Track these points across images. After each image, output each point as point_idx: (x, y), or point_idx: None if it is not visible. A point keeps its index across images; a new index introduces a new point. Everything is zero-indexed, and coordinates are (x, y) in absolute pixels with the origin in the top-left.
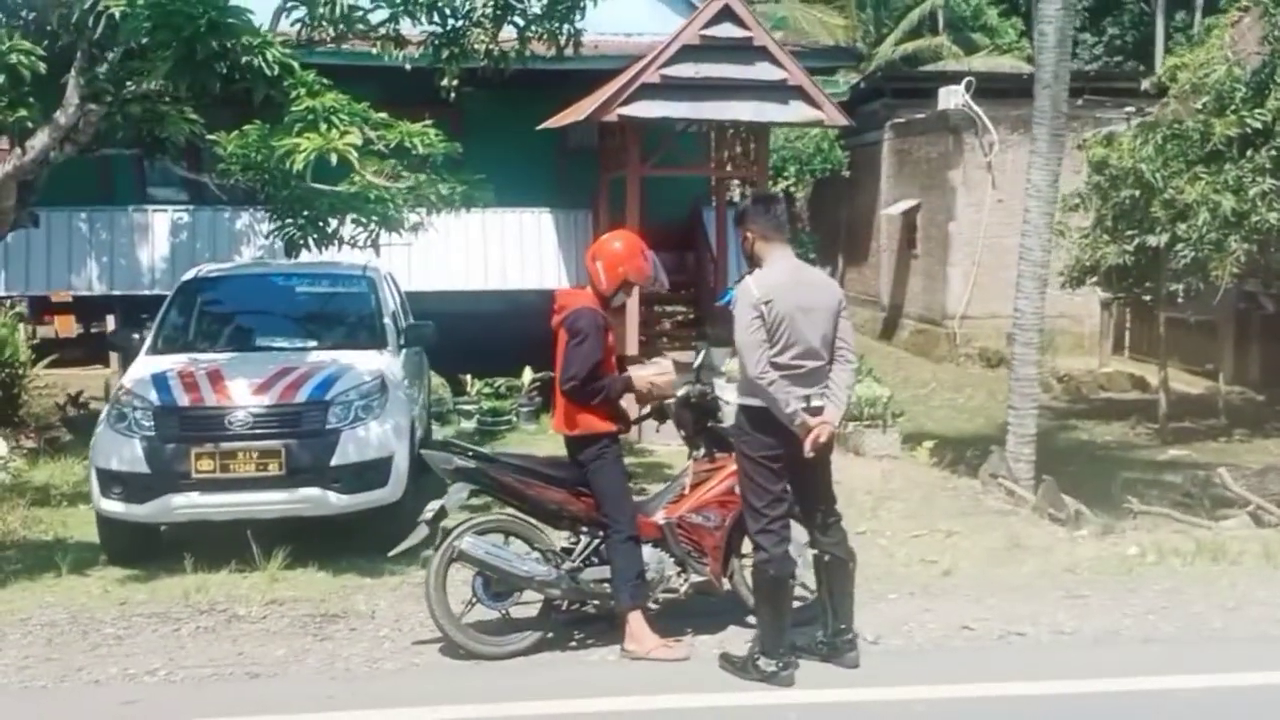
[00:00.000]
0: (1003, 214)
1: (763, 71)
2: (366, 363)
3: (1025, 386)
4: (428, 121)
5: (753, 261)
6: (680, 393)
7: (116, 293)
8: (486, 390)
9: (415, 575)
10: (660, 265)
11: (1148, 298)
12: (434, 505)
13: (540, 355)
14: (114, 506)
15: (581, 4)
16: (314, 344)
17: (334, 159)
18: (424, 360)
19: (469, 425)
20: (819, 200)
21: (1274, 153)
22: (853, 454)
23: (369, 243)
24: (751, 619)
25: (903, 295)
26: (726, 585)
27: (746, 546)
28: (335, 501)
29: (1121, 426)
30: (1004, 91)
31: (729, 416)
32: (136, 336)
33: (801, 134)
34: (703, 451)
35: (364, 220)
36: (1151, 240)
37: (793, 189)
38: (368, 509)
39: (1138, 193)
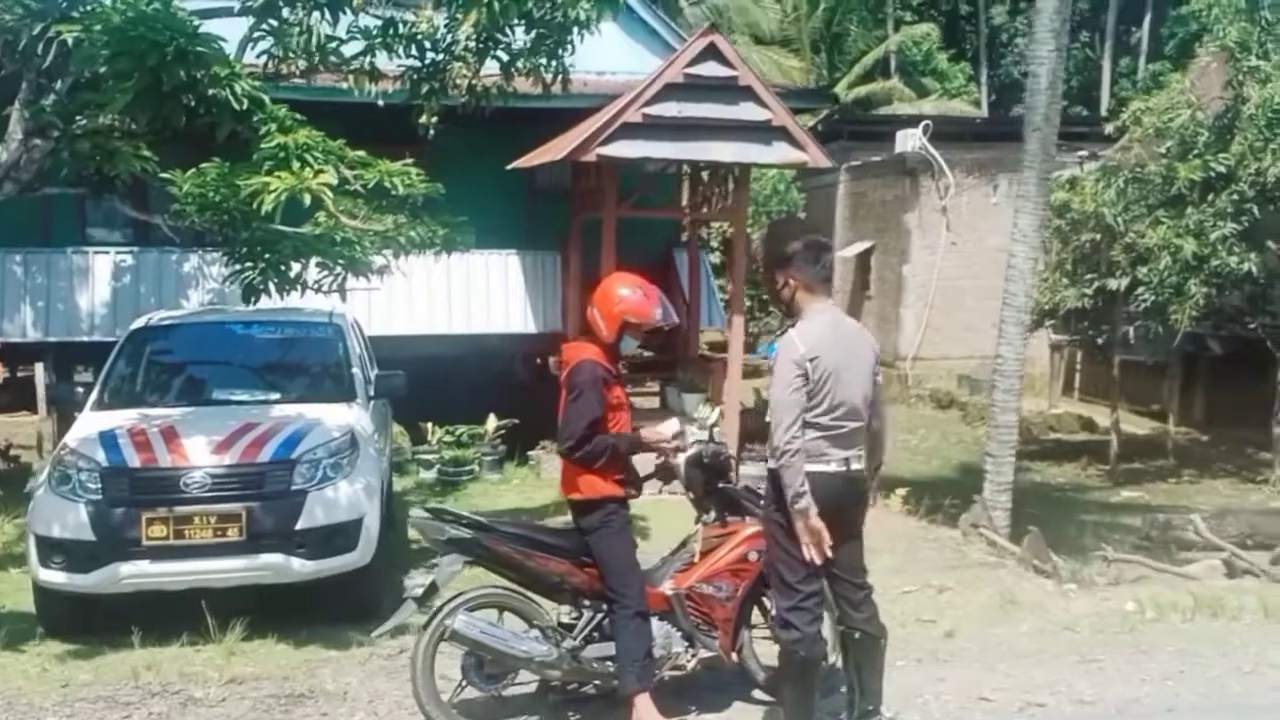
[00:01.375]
0: (957, 257)
1: (746, 111)
2: (335, 417)
3: (1004, 434)
4: (408, 160)
5: (787, 310)
6: (692, 451)
7: (52, 339)
8: (448, 438)
9: (385, 647)
10: (667, 302)
11: (1100, 340)
12: (422, 580)
13: (505, 401)
14: (55, 577)
15: (569, 39)
16: (277, 397)
17: (307, 199)
18: (389, 411)
19: (429, 475)
20: (774, 242)
21: (1235, 197)
22: None
23: (334, 287)
24: (759, 694)
25: None
26: (734, 658)
27: (755, 617)
28: (299, 568)
29: (1073, 467)
30: (958, 135)
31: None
32: (80, 390)
33: (759, 175)
34: (713, 515)
35: (329, 264)
36: (1111, 284)
37: (749, 230)
38: (335, 575)
39: (1098, 236)
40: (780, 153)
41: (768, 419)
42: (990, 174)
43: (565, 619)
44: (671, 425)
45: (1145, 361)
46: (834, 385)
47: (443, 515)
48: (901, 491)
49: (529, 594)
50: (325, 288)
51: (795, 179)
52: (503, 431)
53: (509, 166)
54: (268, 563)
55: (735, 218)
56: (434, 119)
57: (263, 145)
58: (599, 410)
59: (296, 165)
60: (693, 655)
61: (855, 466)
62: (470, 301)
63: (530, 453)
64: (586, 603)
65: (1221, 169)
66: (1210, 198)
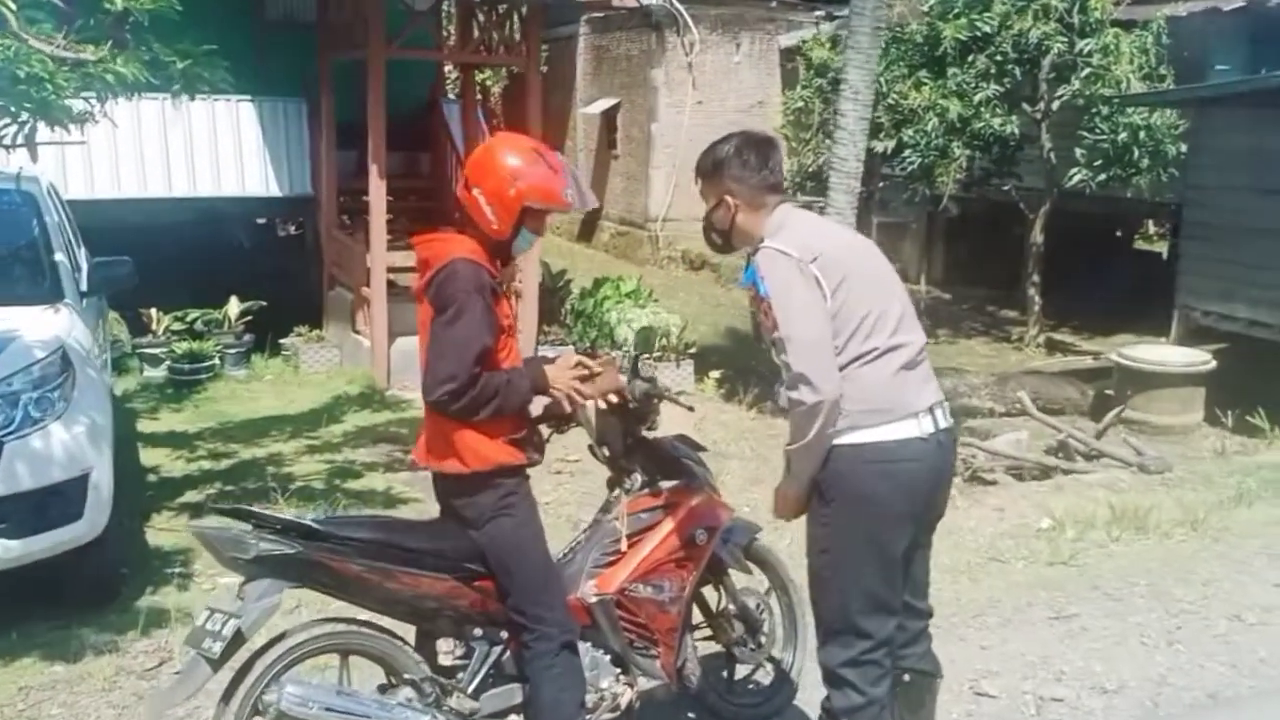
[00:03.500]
0: (703, 116)
1: None
2: (36, 328)
3: None
4: None
5: (725, 243)
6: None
7: None
8: (178, 327)
9: (137, 654)
10: (580, 179)
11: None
12: (220, 626)
13: (248, 280)
14: None
15: None
16: None
17: None
18: (104, 304)
19: (157, 374)
20: (511, 97)
21: (999, 59)
22: None
23: (19, 140)
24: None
25: (602, 196)
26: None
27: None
28: (1, 552)
29: None
30: None
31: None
32: None
33: None
34: (638, 480)
35: (12, 109)
36: (878, 145)
37: (489, 83)
38: (54, 555)
39: None
40: None
41: (785, 388)
42: (733, 31)
43: (445, 659)
44: (614, 379)
45: (906, 223)
46: (860, 288)
47: (246, 516)
48: (715, 374)
49: (385, 629)
50: (8, 141)
51: None
52: (248, 317)
53: None
54: None
55: (528, 62)
56: None
57: None
58: (489, 336)
59: None
60: (628, 686)
61: (944, 423)
62: (193, 158)
63: (283, 341)
64: (477, 632)
65: (987, 29)
66: (971, 59)
